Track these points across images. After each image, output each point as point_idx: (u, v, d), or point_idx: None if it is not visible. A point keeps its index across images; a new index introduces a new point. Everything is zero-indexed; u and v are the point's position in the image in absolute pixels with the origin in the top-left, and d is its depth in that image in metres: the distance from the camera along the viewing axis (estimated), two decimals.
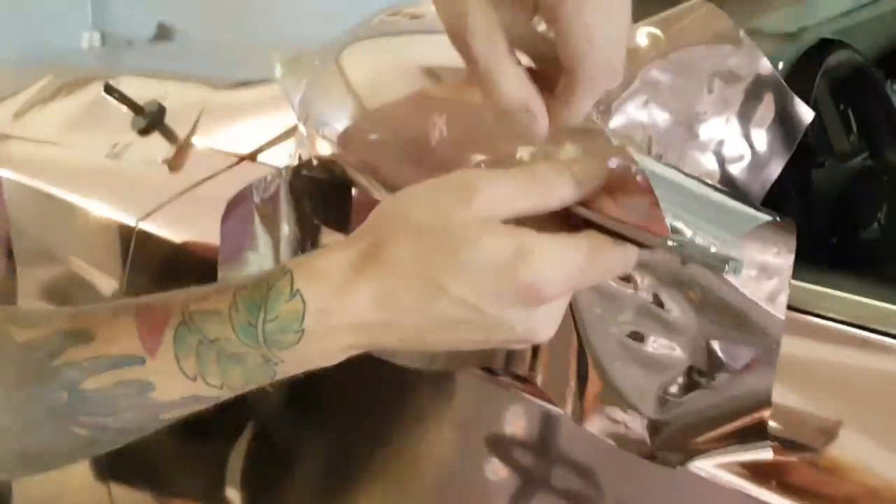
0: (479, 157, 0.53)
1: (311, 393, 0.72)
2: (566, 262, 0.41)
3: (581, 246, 0.41)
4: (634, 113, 0.50)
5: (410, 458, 0.68)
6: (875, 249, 0.91)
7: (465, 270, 0.40)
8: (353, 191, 0.61)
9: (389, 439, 0.67)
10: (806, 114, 0.52)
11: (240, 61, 1.43)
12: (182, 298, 0.42)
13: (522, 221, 0.42)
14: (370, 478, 0.70)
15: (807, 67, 0.89)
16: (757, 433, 0.47)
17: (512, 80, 0.41)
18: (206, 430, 0.80)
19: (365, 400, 0.69)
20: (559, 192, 0.42)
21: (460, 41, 0.41)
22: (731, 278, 0.48)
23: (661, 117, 0.50)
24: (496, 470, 0.62)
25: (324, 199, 0.65)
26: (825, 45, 0.92)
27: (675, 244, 0.39)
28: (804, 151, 0.83)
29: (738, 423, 0.49)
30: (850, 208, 0.92)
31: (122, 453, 0.47)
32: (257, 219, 0.66)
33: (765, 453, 0.48)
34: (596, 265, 0.42)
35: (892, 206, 0.99)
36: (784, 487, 0.48)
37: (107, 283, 0.94)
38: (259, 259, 0.66)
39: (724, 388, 0.49)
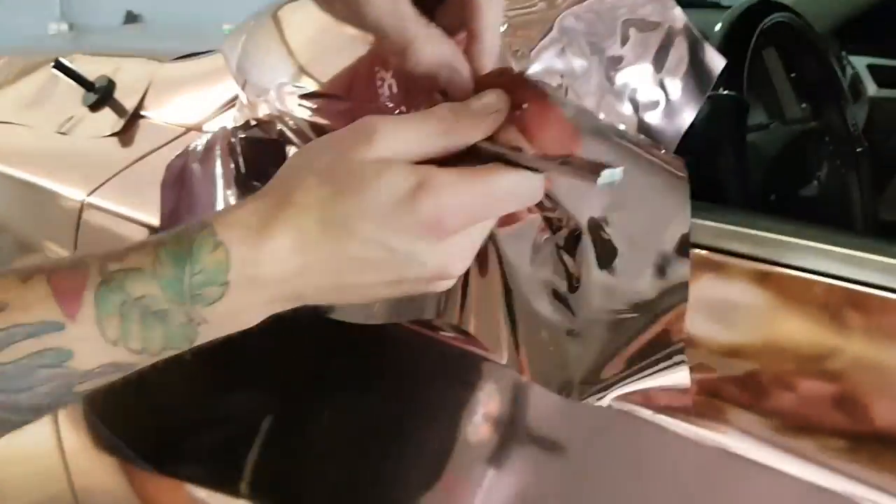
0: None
1: (324, 387, 0.73)
2: (467, 191, 0.41)
3: (481, 174, 0.42)
4: (551, 60, 0.51)
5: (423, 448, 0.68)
6: (813, 205, 0.94)
7: (369, 208, 0.41)
8: (289, 150, 0.62)
9: (409, 436, 0.67)
10: (718, 61, 0.53)
11: (206, 43, 1.43)
12: (98, 259, 0.41)
13: (431, 163, 0.42)
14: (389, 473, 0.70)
15: (743, 27, 0.91)
16: (664, 344, 0.49)
17: (427, 44, 0.43)
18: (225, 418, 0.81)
19: (382, 394, 0.69)
20: (461, 131, 0.43)
21: (365, 20, 0.43)
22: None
23: (577, 64, 0.51)
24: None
25: (260, 159, 0.66)
26: (765, 7, 0.94)
27: (567, 166, 0.40)
28: (741, 110, 0.85)
29: (645, 337, 0.50)
30: (790, 167, 0.95)
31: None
32: (194, 182, 0.67)
33: (681, 376, 0.49)
34: (498, 193, 0.42)
35: (832, 166, 1.01)
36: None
37: (60, 256, 0.94)
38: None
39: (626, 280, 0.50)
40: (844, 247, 0.46)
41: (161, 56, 1.02)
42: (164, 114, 0.94)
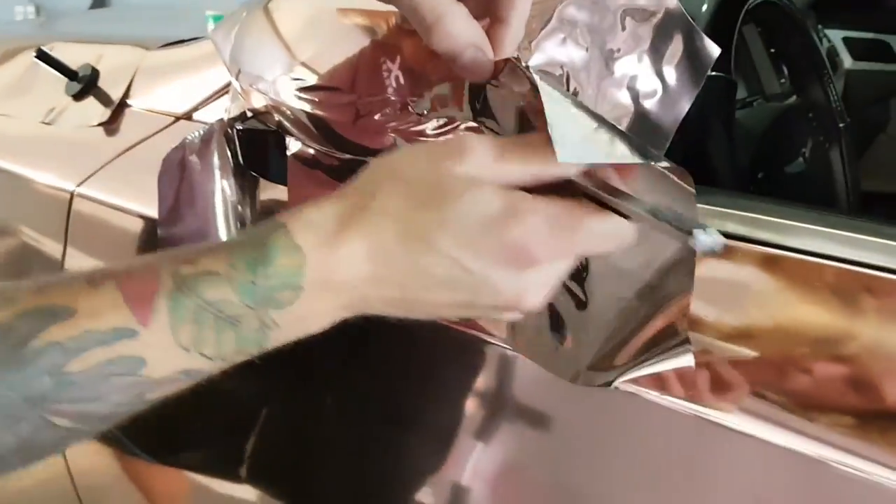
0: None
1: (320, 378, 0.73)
2: (558, 225, 0.40)
3: (576, 211, 0.40)
4: (553, 51, 0.52)
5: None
6: (800, 182, 0.95)
7: (451, 224, 0.39)
8: (289, 141, 0.62)
9: (414, 418, 0.68)
10: (713, 49, 0.54)
11: (177, 24, 1.42)
12: (168, 263, 0.40)
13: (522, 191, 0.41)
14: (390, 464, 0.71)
15: (729, 8, 0.92)
16: (670, 334, 0.50)
17: (458, 20, 0.42)
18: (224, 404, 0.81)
19: (385, 378, 0.70)
20: (560, 162, 0.40)
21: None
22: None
23: (577, 55, 0.52)
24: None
25: (259, 150, 0.66)
26: None
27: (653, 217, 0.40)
28: (730, 90, 0.86)
29: (652, 327, 0.51)
30: (776, 145, 0.96)
31: None
32: (192, 174, 0.67)
33: (686, 360, 0.50)
34: (590, 233, 0.41)
35: (816, 142, 1.03)
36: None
37: (52, 247, 0.94)
38: (195, 215, 0.67)
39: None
40: (853, 230, 0.48)
41: (146, 43, 1.01)
42: (151, 102, 0.93)
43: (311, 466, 0.76)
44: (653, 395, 0.52)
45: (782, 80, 1.12)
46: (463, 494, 0.63)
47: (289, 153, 0.61)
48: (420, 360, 0.67)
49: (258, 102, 0.66)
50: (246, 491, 0.82)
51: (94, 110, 0.96)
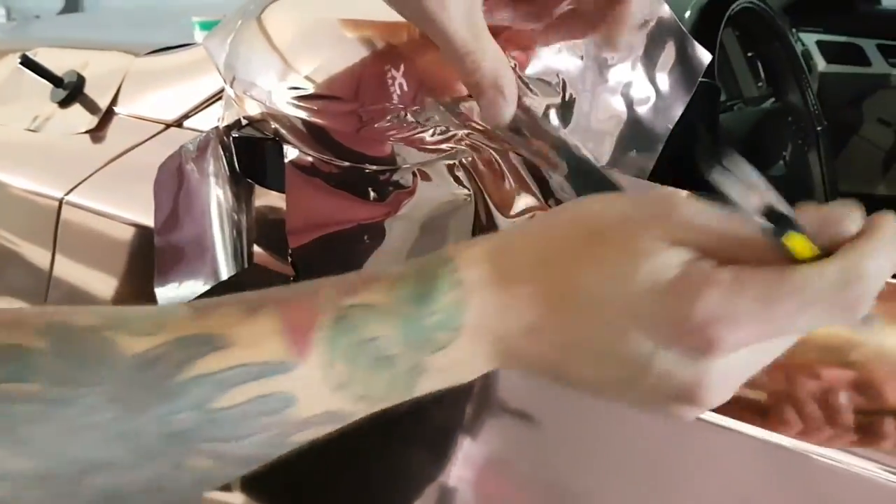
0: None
1: None
2: (755, 296, 0.32)
3: (776, 272, 0.32)
4: (549, 59, 0.53)
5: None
6: (780, 185, 0.97)
7: (628, 295, 0.33)
8: (286, 148, 0.63)
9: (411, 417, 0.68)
10: (704, 56, 0.56)
11: (154, 27, 1.41)
12: (327, 291, 0.36)
13: None
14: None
15: (712, 15, 0.94)
16: None
17: (490, 58, 0.41)
18: None
19: None
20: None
21: (433, 22, 0.40)
22: None
23: (573, 63, 0.53)
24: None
25: (255, 158, 0.66)
26: None
27: None
28: (714, 95, 0.88)
29: None
30: (757, 148, 0.98)
31: None
32: (189, 182, 0.67)
33: None
34: (794, 307, 0.32)
35: (796, 145, 1.05)
36: None
37: (39, 255, 0.94)
38: (192, 223, 0.67)
39: None
40: None
41: (134, 49, 1.01)
42: (140, 109, 0.93)
43: (302, 472, 0.76)
44: None
45: (760, 84, 1.14)
46: (453, 496, 0.64)
47: (286, 160, 0.61)
48: None
49: (253, 110, 0.67)
50: (236, 498, 0.82)
51: (80, 117, 0.96)
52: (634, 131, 0.54)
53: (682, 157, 0.87)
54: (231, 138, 0.67)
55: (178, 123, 0.89)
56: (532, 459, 0.60)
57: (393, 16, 0.45)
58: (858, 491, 0.46)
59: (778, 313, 0.32)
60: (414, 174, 0.56)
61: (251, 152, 0.67)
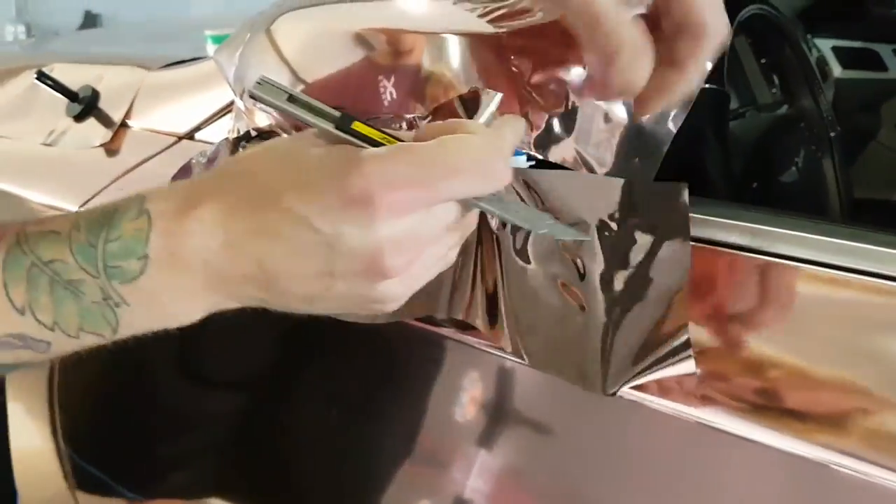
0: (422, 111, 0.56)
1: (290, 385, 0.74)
2: (402, 160, 0.36)
3: (420, 144, 0.37)
4: (554, 69, 0.53)
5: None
6: (793, 191, 0.97)
7: (295, 179, 0.37)
8: None
9: (392, 417, 0.69)
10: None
11: (168, 41, 1.43)
12: (23, 223, 0.39)
13: None
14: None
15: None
16: (671, 337, 0.51)
17: (638, 54, 0.41)
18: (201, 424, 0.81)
19: (364, 380, 0.71)
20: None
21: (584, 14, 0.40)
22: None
23: (576, 72, 0.53)
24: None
25: None
26: (740, 1, 0.96)
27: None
28: (723, 101, 0.87)
29: (654, 332, 0.52)
30: (769, 154, 0.98)
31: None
32: None
33: (687, 366, 0.51)
34: (442, 163, 0.37)
35: (809, 151, 1.05)
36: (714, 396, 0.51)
37: None
38: None
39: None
40: (845, 237, 0.49)
41: (148, 63, 1.02)
42: (153, 122, 0.94)
43: (296, 482, 0.76)
44: (655, 403, 0.53)
45: (773, 91, 1.14)
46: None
47: None
48: (417, 372, 0.67)
49: (262, 122, 0.67)
50: None
51: (95, 131, 0.97)
52: (636, 139, 0.54)
53: (690, 164, 0.87)
54: (240, 149, 0.68)
55: (190, 136, 0.90)
56: (547, 470, 0.60)
57: (394, 25, 0.46)
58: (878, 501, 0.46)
59: (430, 177, 0.36)
60: None
61: None
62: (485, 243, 0.58)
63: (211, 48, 1.05)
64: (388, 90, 0.57)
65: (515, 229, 0.57)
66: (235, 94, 0.71)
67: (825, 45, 1.73)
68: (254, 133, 0.67)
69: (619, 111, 0.54)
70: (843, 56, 1.75)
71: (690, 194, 0.53)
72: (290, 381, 0.75)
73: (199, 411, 0.86)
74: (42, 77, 0.98)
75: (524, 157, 0.55)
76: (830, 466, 0.47)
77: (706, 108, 0.86)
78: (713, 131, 0.84)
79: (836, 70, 1.73)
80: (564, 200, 0.54)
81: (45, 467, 0.98)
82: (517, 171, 0.56)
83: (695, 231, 0.54)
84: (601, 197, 0.54)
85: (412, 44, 0.54)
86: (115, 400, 0.90)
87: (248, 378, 0.79)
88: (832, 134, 1.08)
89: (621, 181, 0.54)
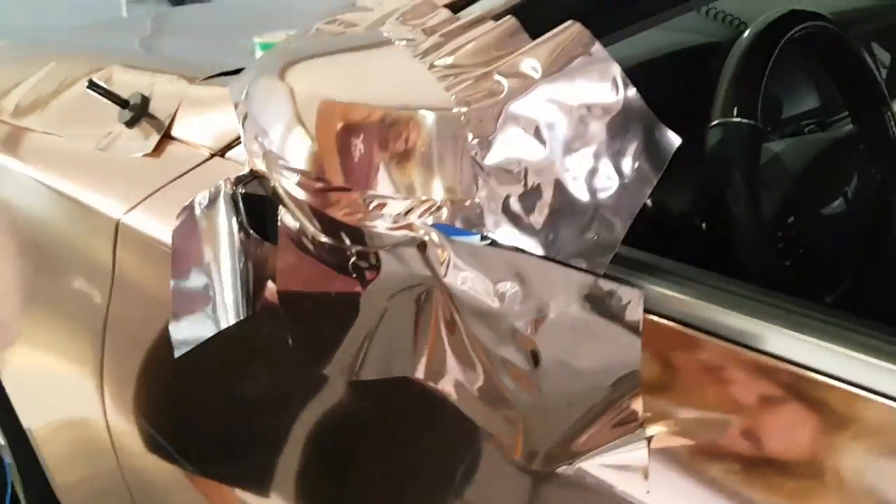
0: None
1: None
2: None
3: None
4: (509, 149, 0.52)
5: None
6: (834, 227, 0.91)
7: None
8: (280, 211, 0.64)
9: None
10: (672, 140, 0.53)
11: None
12: None
13: None
14: None
15: (763, 46, 0.88)
16: (624, 425, 0.51)
17: None
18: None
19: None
20: None
21: None
22: None
23: (536, 150, 0.52)
24: None
25: (259, 215, 0.68)
26: (791, 20, 0.91)
27: None
28: (755, 138, 0.83)
29: (606, 418, 0.52)
30: (814, 183, 0.92)
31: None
32: (201, 234, 0.70)
33: (640, 456, 0.51)
34: None
35: (864, 176, 0.98)
36: None
37: (102, 266, 0.99)
38: (200, 272, 0.70)
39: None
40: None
41: (191, 74, 1.05)
42: (192, 136, 0.97)
43: (352, 483, 0.79)
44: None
45: (835, 109, 1.08)
46: None
47: (279, 223, 0.63)
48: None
49: (260, 165, 0.69)
50: None
51: (141, 140, 1.01)
52: (599, 219, 0.53)
53: (714, 200, 0.84)
54: (239, 192, 0.69)
55: (222, 153, 0.92)
56: None
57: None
58: None
59: None
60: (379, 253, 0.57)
61: (257, 208, 0.69)
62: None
63: (259, 55, 1.07)
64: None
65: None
66: (240, 128, 0.72)
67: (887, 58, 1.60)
68: (251, 176, 0.69)
69: (581, 191, 0.53)
70: None
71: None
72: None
73: (260, 406, 0.89)
74: (93, 86, 1.02)
75: (478, 237, 0.54)
76: None
77: (735, 145, 0.82)
78: (741, 168, 0.80)
79: None
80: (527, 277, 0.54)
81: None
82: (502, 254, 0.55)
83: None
84: (562, 286, 0.52)
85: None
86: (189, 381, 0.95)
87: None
88: None
89: (585, 277, 0.52)
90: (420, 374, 0.60)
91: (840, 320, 0.51)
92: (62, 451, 1.28)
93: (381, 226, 0.55)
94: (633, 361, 0.50)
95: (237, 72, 1.01)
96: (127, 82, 1.10)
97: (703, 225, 0.91)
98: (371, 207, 0.55)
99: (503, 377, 0.54)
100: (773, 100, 1.10)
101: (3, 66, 1.44)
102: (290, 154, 0.60)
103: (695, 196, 0.92)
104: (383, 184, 0.54)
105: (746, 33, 0.89)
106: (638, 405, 0.51)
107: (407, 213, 0.54)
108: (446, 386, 0.59)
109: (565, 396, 0.53)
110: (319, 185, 0.57)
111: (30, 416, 1.32)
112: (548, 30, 0.57)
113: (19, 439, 1.37)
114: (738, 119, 0.82)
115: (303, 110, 0.59)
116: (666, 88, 0.73)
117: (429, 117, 0.53)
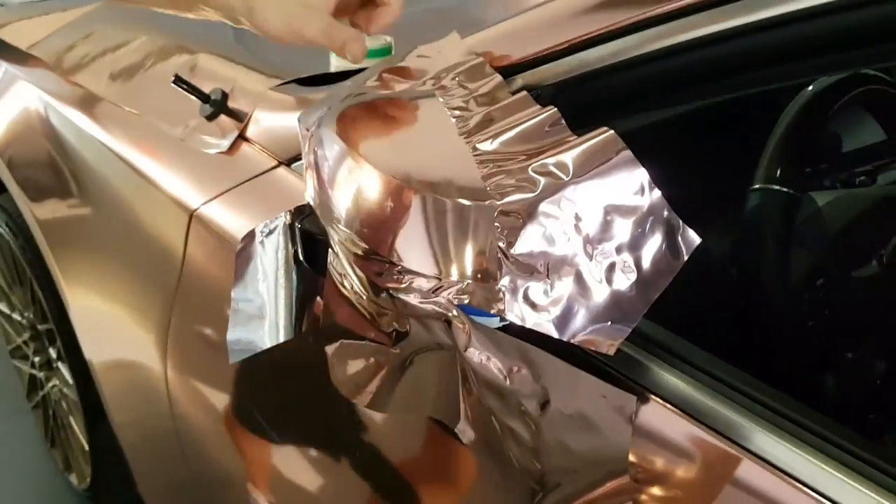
0: None
1: None
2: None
3: None
4: (535, 244, 0.57)
5: None
6: (864, 290, 0.93)
7: None
8: (329, 253, 0.70)
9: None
10: (693, 239, 0.57)
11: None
12: None
13: None
14: None
15: (820, 105, 0.90)
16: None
17: (355, 43, 0.72)
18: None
19: None
20: None
21: (305, 38, 0.71)
22: None
23: (561, 245, 0.57)
24: None
25: (311, 249, 0.75)
26: (844, 85, 0.92)
27: None
28: (791, 207, 0.86)
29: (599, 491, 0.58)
30: (849, 244, 0.94)
31: None
32: (258, 257, 0.77)
33: None
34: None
35: None
36: None
37: (173, 252, 1.08)
38: (257, 293, 0.77)
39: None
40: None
41: (271, 73, 1.10)
42: (264, 140, 1.04)
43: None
44: None
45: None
46: None
47: (329, 266, 0.69)
48: None
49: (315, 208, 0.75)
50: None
51: (215, 138, 1.08)
52: (614, 308, 0.57)
53: (747, 272, 0.87)
54: (297, 226, 0.76)
55: (288, 163, 0.98)
56: None
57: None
58: None
59: None
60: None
61: (309, 243, 0.75)
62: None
63: (334, 61, 1.11)
64: None
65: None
66: (304, 158, 0.77)
67: None
68: (308, 210, 0.75)
69: (602, 283, 0.57)
70: None
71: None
72: None
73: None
74: (178, 81, 1.09)
75: (496, 319, 0.59)
76: None
77: (769, 213, 0.85)
78: (774, 236, 0.84)
79: None
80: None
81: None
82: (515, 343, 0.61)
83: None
84: (566, 381, 0.58)
85: None
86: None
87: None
88: None
89: (587, 378, 0.58)
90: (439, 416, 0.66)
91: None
92: (121, 389, 1.39)
93: (412, 299, 0.61)
94: (624, 450, 0.56)
95: (309, 80, 1.07)
96: (212, 72, 1.17)
97: (735, 272, 0.95)
98: (404, 282, 0.60)
99: (509, 443, 0.61)
100: (833, 136, 1.11)
101: (103, 27, 1.51)
102: (340, 212, 0.66)
103: (732, 246, 0.96)
104: (417, 261, 0.59)
105: (799, 95, 0.91)
106: (625, 486, 0.56)
107: (436, 290, 0.59)
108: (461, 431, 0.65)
109: (561, 471, 0.59)
110: (360, 249, 0.63)
111: (92, 350, 1.43)
112: (586, 112, 0.62)
113: (87, 382, 1.49)
114: (777, 188, 0.85)
115: (358, 177, 0.64)
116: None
117: (466, 205, 0.58)
